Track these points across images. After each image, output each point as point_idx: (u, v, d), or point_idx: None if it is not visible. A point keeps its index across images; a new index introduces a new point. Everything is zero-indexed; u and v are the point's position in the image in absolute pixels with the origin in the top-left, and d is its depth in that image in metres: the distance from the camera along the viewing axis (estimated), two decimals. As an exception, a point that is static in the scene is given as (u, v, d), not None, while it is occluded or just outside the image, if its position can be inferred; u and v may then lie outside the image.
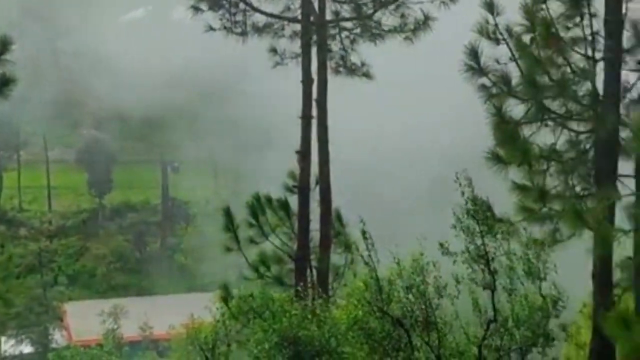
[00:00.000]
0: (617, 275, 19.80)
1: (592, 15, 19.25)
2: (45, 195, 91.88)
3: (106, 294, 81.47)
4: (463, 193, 17.67)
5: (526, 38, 19.18)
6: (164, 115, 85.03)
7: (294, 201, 28.88)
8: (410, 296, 17.54)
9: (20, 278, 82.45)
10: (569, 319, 20.72)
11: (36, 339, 74.87)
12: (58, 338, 74.63)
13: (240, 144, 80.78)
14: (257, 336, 19.58)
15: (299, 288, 24.16)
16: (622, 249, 18.55)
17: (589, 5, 19.30)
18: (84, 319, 70.67)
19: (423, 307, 17.50)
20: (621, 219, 18.63)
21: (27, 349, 74.42)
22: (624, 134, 18.85)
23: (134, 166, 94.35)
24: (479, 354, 17.57)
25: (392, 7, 29.42)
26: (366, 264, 17.93)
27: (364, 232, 18.08)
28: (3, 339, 72.97)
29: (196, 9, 29.88)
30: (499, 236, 17.55)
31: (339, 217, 29.19)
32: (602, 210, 18.05)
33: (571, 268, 19.71)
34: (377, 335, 17.74)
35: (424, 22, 29.18)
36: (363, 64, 29.87)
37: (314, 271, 28.21)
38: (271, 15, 30.02)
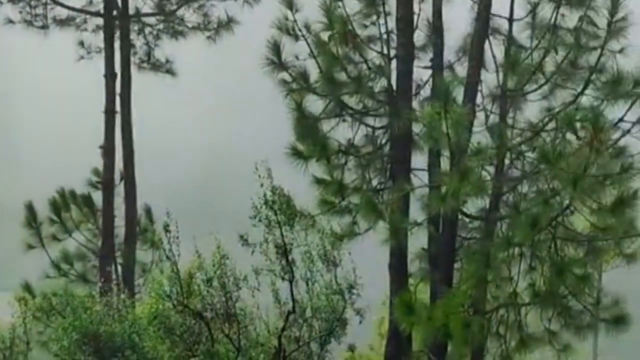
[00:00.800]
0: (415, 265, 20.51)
1: (386, 14, 19.86)
2: None
3: None
4: (262, 184, 17.90)
5: (325, 35, 19.55)
6: None
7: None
8: (210, 289, 17.66)
9: None
10: (374, 311, 21.28)
11: None
12: None
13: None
14: (57, 334, 19.30)
15: (102, 285, 23.95)
16: (415, 239, 19.17)
17: (383, 4, 19.90)
18: None
19: (223, 299, 17.65)
20: (416, 211, 19.30)
21: None
22: (418, 128, 19.48)
23: None
24: (278, 345, 17.83)
25: (195, 5, 29.53)
26: (167, 257, 17.94)
27: (166, 226, 18.09)
28: None
29: (-7, 0, 29.21)
30: (297, 227, 17.85)
31: (149, 213, 29.07)
32: (396, 202, 18.64)
33: (377, 260, 20.24)
34: (178, 329, 17.80)
35: (227, 23, 29.40)
36: (167, 61, 29.85)
37: (119, 268, 28.03)
38: (73, 8, 29.61)
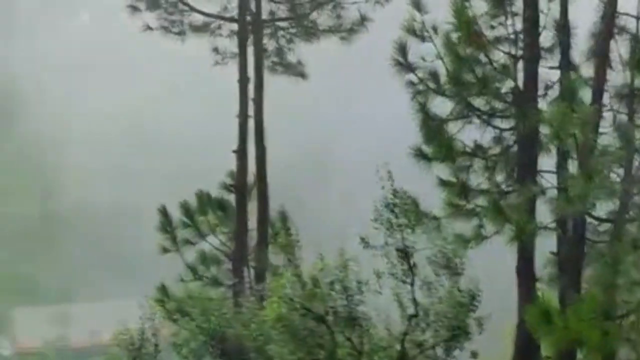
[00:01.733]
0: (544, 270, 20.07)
1: (514, 15, 19.53)
2: None
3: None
4: (383, 187, 17.79)
5: (453, 36, 19.36)
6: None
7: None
8: (332, 292, 17.60)
9: None
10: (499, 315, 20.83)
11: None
12: (6, 345, 73.86)
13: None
14: (184, 335, 19.58)
15: (232, 288, 24.23)
16: (543, 243, 18.76)
17: (511, 4, 19.58)
18: (31, 325, 70.10)
19: (345, 302, 17.57)
20: (543, 214, 18.87)
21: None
22: (546, 130, 19.03)
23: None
24: (401, 349, 17.66)
25: (328, 7, 29.61)
26: (289, 260, 17.99)
27: (287, 229, 18.15)
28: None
29: (134, 8, 29.86)
30: (418, 230, 17.67)
31: (283, 217, 29.14)
32: (523, 205, 18.27)
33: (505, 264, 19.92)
34: (300, 332, 17.78)
35: (360, 23, 29.41)
36: (299, 63, 30.00)
37: (251, 271, 28.21)
38: (209, 14, 30.06)
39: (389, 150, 20.71)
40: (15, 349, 70.99)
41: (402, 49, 19.83)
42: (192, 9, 29.92)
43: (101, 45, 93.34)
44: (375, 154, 19.81)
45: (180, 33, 30.26)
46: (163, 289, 26.45)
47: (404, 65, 19.84)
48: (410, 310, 17.75)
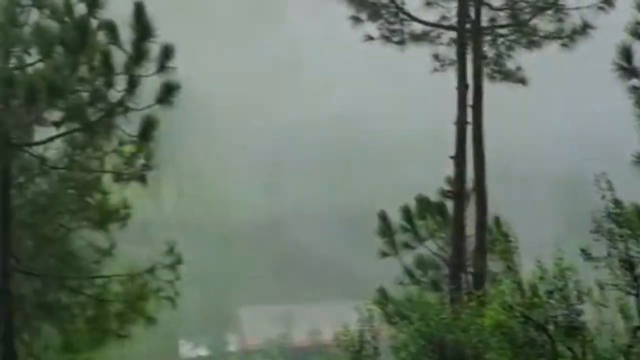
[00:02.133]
0: None
1: None
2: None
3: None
4: (603, 196, 17.45)
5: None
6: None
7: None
8: (552, 301, 17.42)
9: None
10: None
11: (212, 343, 76.69)
12: (232, 342, 76.29)
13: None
14: (403, 339, 19.82)
15: (451, 293, 24.34)
16: None
17: None
18: (257, 324, 72.15)
19: (566, 312, 17.36)
20: None
21: (203, 351, 76.29)
22: None
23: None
24: (627, 362, 17.29)
25: (549, 12, 29.25)
26: (508, 267, 17.93)
27: (505, 235, 18.10)
28: (181, 342, 75.00)
29: (356, 19, 30.41)
30: (642, 240, 17.27)
31: (499, 224, 28.98)
32: None
33: None
34: (520, 340, 17.68)
35: (582, 29, 28.91)
36: (518, 69, 29.78)
37: (469, 277, 28.19)
38: (428, 23, 30.27)
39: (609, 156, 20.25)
40: (241, 346, 73.25)
41: (626, 53, 19.41)
42: (413, 18, 30.21)
43: (315, 51, 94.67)
44: (586, 160, 19.42)
45: (400, 42, 30.59)
46: (383, 292, 26.94)
47: (628, 69, 19.42)
48: (636, 322, 17.34)
